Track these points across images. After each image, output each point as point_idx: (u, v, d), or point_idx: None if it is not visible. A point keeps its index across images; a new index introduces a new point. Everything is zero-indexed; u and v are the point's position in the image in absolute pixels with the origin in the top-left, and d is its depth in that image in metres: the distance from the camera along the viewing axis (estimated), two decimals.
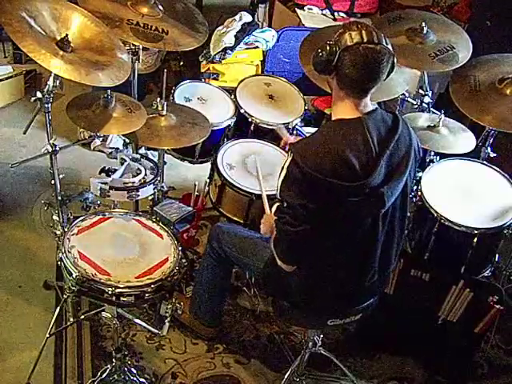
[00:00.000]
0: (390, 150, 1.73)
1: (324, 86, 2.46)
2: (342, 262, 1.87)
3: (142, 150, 3.03)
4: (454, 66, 2.58)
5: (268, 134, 2.80)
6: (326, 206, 1.73)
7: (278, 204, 1.81)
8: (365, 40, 1.66)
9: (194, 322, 2.55)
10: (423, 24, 2.62)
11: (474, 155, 2.64)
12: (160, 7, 2.56)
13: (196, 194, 2.90)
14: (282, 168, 1.76)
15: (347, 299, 1.99)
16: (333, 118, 1.81)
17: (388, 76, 1.76)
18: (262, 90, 3.02)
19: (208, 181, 2.68)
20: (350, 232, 1.81)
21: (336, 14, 4.29)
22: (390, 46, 1.71)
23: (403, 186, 1.79)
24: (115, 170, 2.39)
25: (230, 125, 2.81)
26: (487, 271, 2.55)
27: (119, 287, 1.89)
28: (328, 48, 1.70)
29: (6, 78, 3.80)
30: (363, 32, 1.66)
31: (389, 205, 1.76)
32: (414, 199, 2.52)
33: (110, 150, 3.43)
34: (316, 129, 1.90)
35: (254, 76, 3.23)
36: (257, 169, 2.54)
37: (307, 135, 2.89)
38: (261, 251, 2.12)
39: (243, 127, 2.83)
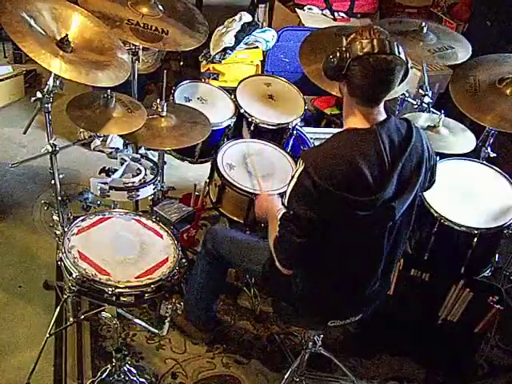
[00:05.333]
0: (403, 163, 1.70)
1: (324, 86, 2.48)
2: (346, 271, 1.86)
3: (142, 150, 3.03)
4: (453, 61, 2.58)
5: (268, 134, 2.80)
6: (333, 218, 1.71)
7: (284, 211, 1.78)
8: (375, 50, 1.61)
9: (188, 325, 2.55)
10: (423, 24, 2.63)
11: (473, 155, 2.64)
12: (160, 7, 2.56)
13: (196, 193, 2.90)
14: (293, 177, 1.72)
15: (349, 305, 1.99)
16: (345, 127, 1.77)
17: (401, 83, 1.72)
18: (262, 89, 3.01)
19: (208, 181, 2.68)
20: (356, 243, 1.79)
21: (336, 13, 4.29)
22: (402, 55, 1.65)
23: (413, 196, 1.77)
24: (115, 170, 2.39)
25: (229, 125, 2.81)
26: (487, 271, 2.55)
27: (119, 287, 1.88)
28: (339, 55, 1.65)
29: (6, 78, 3.81)
30: (374, 41, 1.61)
31: (398, 217, 1.75)
32: None
33: (109, 150, 3.42)
34: (323, 129, 1.86)
35: (253, 76, 3.23)
36: (250, 160, 2.53)
37: (307, 135, 2.93)
38: (258, 255, 2.11)
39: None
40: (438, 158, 2.62)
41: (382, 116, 1.74)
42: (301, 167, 1.68)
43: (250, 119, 2.79)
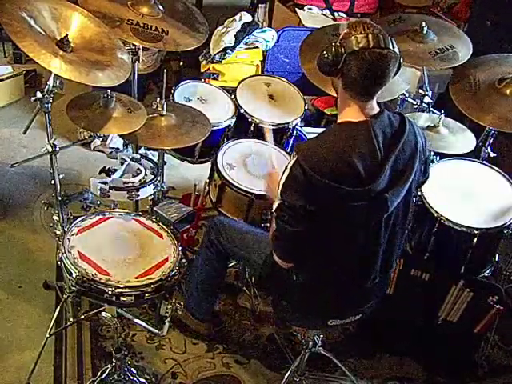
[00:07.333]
0: (396, 155, 1.72)
1: (323, 86, 2.48)
2: (344, 265, 1.87)
3: (142, 150, 3.03)
4: (454, 63, 2.58)
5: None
6: (327, 208, 1.72)
7: (279, 202, 1.80)
8: (371, 45, 1.63)
9: (188, 316, 2.54)
10: (423, 24, 2.62)
11: (473, 155, 2.64)
12: (160, 7, 2.56)
13: (196, 193, 2.90)
14: (286, 168, 1.75)
15: (348, 301, 1.99)
16: (339, 121, 1.79)
17: (394, 76, 1.74)
18: (262, 89, 3.02)
19: (208, 181, 2.68)
20: (352, 235, 1.80)
21: (336, 13, 4.29)
22: (396, 49, 1.68)
23: (407, 189, 1.78)
24: (115, 170, 2.39)
25: (230, 125, 2.81)
26: (487, 271, 2.55)
27: (119, 287, 1.88)
28: (333, 50, 1.67)
29: (6, 78, 3.81)
30: (370, 36, 1.63)
31: (392, 209, 1.76)
32: (414, 199, 2.52)
33: (109, 150, 3.43)
34: (323, 129, 1.88)
35: (253, 76, 3.23)
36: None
37: (307, 135, 2.93)
38: (261, 247, 2.11)
39: (243, 127, 2.83)
40: (437, 157, 2.65)
41: (375, 110, 1.76)
42: (294, 159, 1.71)
43: (249, 119, 2.79)
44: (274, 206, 1.82)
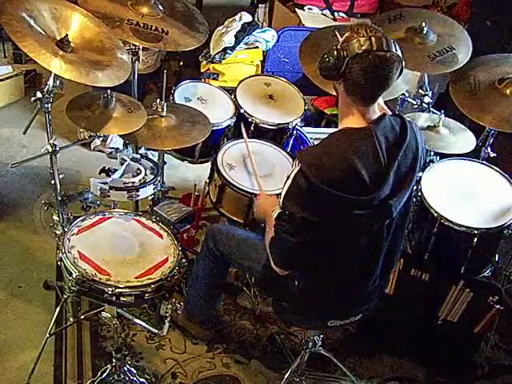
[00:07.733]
0: (399, 161, 1.70)
1: (324, 86, 2.49)
2: (345, 269, 1.86)
3: (142, 150, 3.03)
4: (453, 67, 2.58)
5: (268, 134, 2.80)
6: (330, 217, 1.70)
7: (279, 211, 1.77)
8: (374, 48, 1.60)
9: (189, 323, 2.55)
10: (423, 24, 2.61)
11: (473, 155, 2.64)
12: (160, 7, 2.56)
13: (196, 193, 2.90)
14: (288, 177, 1.72)
15: (349, 304, 1.99)
16: (340, 127, 1.76)
17: (396, 79, 1.72)
18: (262, 89, 3.01)
19: (208, 181, 2.68)
20: (355, 241, 1.79)
21: (336, 14, 4.30)
22: (399, 52, 1.66)
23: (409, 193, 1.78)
24: (115, 170, 2.39)
25: (230, 125, 2.81)
26: (487, 271, 2.55)
27: (119, 287, 1.89)
28: (335, 53, 1.64)
29: (6, 78, 3.81)
30: (373, 39, 1.61)
31: (395, 214, 1.75)
32: (414, 199, 2.52)
33: (109, 150, 3.43)
34: (323, 129, 1.87)
35: (253, 76, 3.23)
36: (248, 151, 2.52)
37: (307, 135, 2.93)
38: (259, 253, 2.09)
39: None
40: (437, 157, 2.65)
41: (377, 114, 1.74)
42: (296, 167, 1.68)
43: (249, 119, 2.79)
44: (274, 215, 1.80)
